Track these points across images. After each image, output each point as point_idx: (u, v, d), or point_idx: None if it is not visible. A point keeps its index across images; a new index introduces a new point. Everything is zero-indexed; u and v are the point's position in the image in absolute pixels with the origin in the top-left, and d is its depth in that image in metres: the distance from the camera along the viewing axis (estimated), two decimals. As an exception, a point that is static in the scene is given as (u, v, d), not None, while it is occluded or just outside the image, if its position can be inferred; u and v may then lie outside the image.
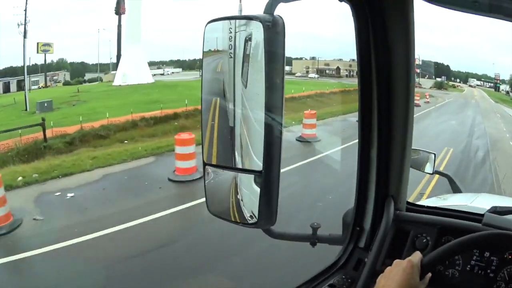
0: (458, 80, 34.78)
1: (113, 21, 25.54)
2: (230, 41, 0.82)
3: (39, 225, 5.01)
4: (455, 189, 2.24)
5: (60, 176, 7.14)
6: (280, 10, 0.80)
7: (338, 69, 30.24)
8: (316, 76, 27.97)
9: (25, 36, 20.32)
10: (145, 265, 3.90)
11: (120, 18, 25.18)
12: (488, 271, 1.11)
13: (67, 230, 4.68)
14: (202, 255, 4.11)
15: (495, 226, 1.10)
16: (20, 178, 6.81)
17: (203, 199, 0.94)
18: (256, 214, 0.83)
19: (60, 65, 26.23)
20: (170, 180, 6.65)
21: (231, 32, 0.82)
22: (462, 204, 1.82)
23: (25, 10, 20.02)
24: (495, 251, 1.11)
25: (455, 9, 0.86)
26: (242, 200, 0.87)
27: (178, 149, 6.82)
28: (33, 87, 22.68)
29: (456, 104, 24.06)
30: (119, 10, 25.14)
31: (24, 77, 20.71)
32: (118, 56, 26.29)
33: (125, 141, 11.34)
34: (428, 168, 1.80)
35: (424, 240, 1.15)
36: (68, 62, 26.84)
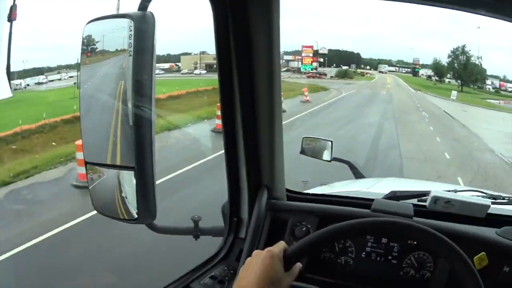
0: (368, 67, 32.58)
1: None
2: (108, 40, 0.83)
3: None
4: (358, 175, 2.13)
5: None
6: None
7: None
8: (203, 71, 24.77)
9: None
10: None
11: (12, 25, 22.38)
12: (390, 257, 1.11)
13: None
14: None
15: (384, 211, 1.10)
16: None
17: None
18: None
19: None
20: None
21: (112, 32, 0.83)
22: (357, 190, 1.76)
23: None
24: (392, 237, 1.09)
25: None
26: (126, 197, 0.87)
27: (79, 155, 6.13)
28: None
29: (357, 99, 16.82)
30: (10, 16, 22.37)
31: None
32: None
33: None
34: (326, 155, 1.81)
35: (304, 229, 1.13)
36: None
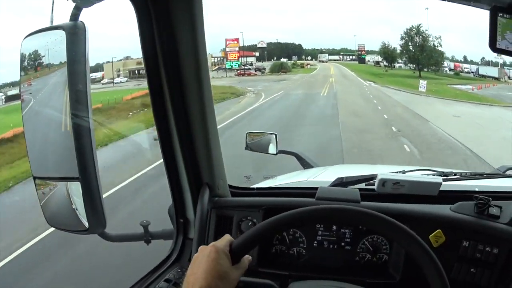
0: (309, 58, 32.63)
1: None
2: (46, 53, 0.83)
3: None
4: (306, 165, 2.08)
5: None
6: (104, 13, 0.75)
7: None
8: (124, 79, 22.71)
9: None
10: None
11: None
12: (343, 244, 1.11)
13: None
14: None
15: (329, 198, 1.09)
16: None
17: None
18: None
19: None
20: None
21: (54, 45, 0.81)
22: (303, 180, 1.76)
23: None
24: (342, 224, 1.09)
25: None
26: (77, 209, 0.86)
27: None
28: None
29: (276, 110, 11.91)
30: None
31: None
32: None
33: None
34: (272, 149, 1.82)
35: (250, 223, 1.13)
36: None
